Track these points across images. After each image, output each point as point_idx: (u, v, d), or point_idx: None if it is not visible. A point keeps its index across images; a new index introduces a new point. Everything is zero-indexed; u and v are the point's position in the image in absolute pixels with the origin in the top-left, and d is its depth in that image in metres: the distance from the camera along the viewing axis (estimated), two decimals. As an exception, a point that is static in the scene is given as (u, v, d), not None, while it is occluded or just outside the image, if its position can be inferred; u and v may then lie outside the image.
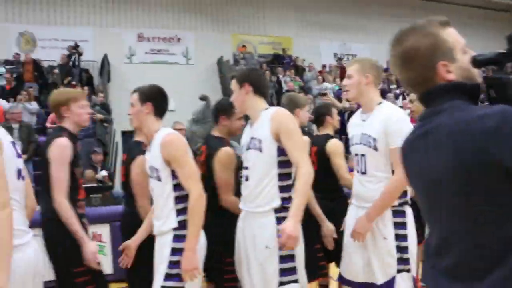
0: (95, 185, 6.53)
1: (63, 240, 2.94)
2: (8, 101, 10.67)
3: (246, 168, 2.95)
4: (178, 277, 2.64)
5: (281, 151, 2.83)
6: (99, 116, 9.91)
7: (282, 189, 2.84)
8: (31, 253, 2.19)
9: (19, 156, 2.26)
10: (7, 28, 14.60)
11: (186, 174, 2.68)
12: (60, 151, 2.97)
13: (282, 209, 2.82)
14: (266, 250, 2.80)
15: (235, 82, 2.99)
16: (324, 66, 16.76)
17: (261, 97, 2.97)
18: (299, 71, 15.65)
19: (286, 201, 2.83)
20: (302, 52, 17.17)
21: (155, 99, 2.86)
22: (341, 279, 3.23)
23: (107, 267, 5.40)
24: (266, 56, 16.99)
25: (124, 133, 12.23)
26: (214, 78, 15.96)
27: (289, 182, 2.87)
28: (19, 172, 2.23)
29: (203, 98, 10.48)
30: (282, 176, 2.85)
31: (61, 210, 2.93)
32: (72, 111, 3.15)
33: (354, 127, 3.16)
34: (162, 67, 15.58)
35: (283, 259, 2.79)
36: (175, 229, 2.70)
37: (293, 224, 2.67)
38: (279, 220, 2.80)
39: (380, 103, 3.04)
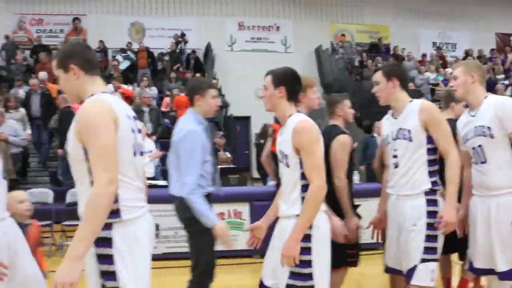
0: (233, 166, 6.93)
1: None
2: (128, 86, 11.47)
3: (395, 156, 3.16)
4: (306, 264, 2.67)
5: (430, 140, 3.08)
6: (217, 100, 10.40)
7: (431, 174, 3.10)
8: (145, 225, 2.29)
9: (138, 131, 2.30)
10: (121, 19, 15.64)
11: (311, 163, 2.66)
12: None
13: (431, 191, 3.08)
14: (413, 228, 3.04)
15: (382, 75, 3.19)
16: (423, 55, 16.39)
17: (406, 90, 3.22)
18: (399, 60, 15.41)
19: (434, 184, 3.09)
20: (399, 41, 16.87)
21: (289, 83, 2.79)
22: (470, 266, 3.32)
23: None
24: (363, 45, 16.88)
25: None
26: (312, 67, 16.09)
27: (436, 167, 3.12)
28: (135, 148, 2.26)
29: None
30: (430, 162, 3.10)
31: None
32: (308, 97, 3.48)
33: (464, 125, 3.31)
34: (261, 55, 15.95)
35: (428, 238, 3.02)
36: (297, 215, 2.71)
37: (450, 211, 2.98)
38: (429, 202, 3.06)
39: (486, 97, 3.21)
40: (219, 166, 7.07)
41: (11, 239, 2.63)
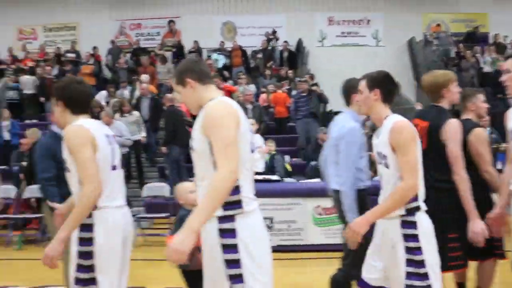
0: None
1: (451, 209, 3.29)
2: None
3: None
4: (419, 264, 2.69)
5: None
6: (317, 89, 10.51)
7: None
8: (261, 217, 2.42)
9: (251, 131, 2.50)
10: (213, 19, 16.15)
11: (405, 162, 2.68)
12: (455, 130, 3.33)
13: None
14: None
15: None
16: (528, 43, 15.41)
17: None
18: (500, 49, 14.60)
19: None
20: (499, 28, 15.91)
21: (383, 85, 2.85)
22: None
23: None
24: (458, 35, 16.17)
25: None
26: (404, 60, 15.72)
27: None
28: (251, 146, 2.48)
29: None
30: None
31: (461, 184, 3.29)
32: (451, 91, 3.48)
33: None
34: (352, 49, 15.84)
35: None
36: (402, 215, 2.72)
37: None
38: None
39: None
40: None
41: (126, 226, 2.83)
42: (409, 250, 2.68)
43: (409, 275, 2.67)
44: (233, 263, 2.29)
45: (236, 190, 2.33)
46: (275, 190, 6.53)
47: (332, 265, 6.10)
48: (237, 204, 2.32)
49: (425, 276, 2.66)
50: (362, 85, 2.90)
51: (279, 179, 7.10)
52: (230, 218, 2.31)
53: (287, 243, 6.52)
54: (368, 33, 16.19)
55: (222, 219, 2.32)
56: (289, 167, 8.30)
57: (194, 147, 2.40)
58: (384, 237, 2.81)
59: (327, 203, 6.49)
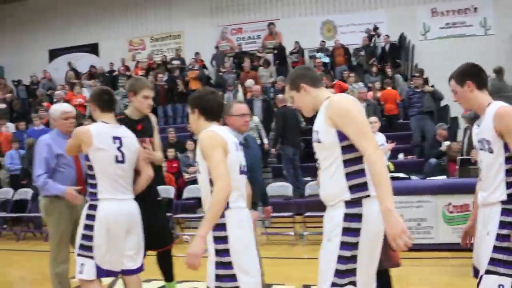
0: (467, 157, 6.75)
1: None
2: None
3: None
4: (508, 251, 2.63)
5: None
6: (428, 88, 10.29)
7: None
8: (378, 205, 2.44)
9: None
10: (312, 20, 16.25)
11: None
12: None
13: None
14: None
15: None
16: None
17: None
18: None
19: None
20: None
21: (472, 75, 2.85)
22: None
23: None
24: None
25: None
26: (517, 47, 14.79)
27: None
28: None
29: (496, 70, 10.10)
30: None
31: None
32: None
33: None
34: (458, 40, 15.15)
35: None
36: (504, 202, 2.67)
37: None
38: None
39: None
40: (459, 158, 6.93)
41: (251, 225, 2.98)
42: (499, 236, 2.66)
43: (491, 261, 2.66)
44: (351, 246, 2.41)
45: (362, 172, 2.46)
46: (403, 188, 6.45)
47: (464, 265, 5.94)
48: (363, 187, 2.44)
49: (510, 264, 2.64)
50: (453, 84, 2.91)
51: (407, 177, 7.00)
52: (357, 203, 2.43)
53: (417, 241, 6.39)
54: (475, 22, 15.38)
55: (349, 204, 2.45)
56: (391, 166, 8.13)
57: (321, 139, 2.54)
58: (485, 225, 2.78)
59: (458, 200, 6.35)
